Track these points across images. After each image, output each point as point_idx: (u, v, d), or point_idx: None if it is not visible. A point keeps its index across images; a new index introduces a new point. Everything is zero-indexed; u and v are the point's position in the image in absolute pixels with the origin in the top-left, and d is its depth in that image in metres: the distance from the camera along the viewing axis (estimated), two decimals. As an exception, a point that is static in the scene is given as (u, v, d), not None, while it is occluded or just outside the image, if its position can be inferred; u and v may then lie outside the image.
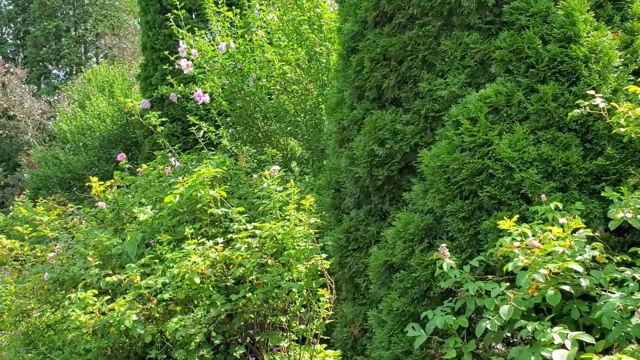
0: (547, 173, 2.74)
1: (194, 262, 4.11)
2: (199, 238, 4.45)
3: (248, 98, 5.83)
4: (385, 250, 3.20)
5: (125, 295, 4.18)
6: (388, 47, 3.36)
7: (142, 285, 4.13)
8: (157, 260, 4.35)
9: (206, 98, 5.17)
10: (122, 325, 3.99)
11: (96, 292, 4.12)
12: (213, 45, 5.70)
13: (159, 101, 9.33)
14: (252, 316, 4.59)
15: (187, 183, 4.72)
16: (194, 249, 4.27)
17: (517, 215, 2.56)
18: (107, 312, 4.02)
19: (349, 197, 3.83)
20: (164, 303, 4.28)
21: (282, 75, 5.50)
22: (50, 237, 5.67)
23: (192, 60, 5.70)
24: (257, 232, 4.44)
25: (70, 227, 5.43)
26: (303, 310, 4.67)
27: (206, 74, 5.80)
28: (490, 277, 2.62)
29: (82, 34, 22.37)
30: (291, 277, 4.43)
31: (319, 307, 4.66)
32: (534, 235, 2.39)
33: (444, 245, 2.49)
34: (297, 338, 4.75)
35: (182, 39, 5.67)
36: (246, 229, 4.51)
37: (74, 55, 21.99)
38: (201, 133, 6.98)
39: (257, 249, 4.40)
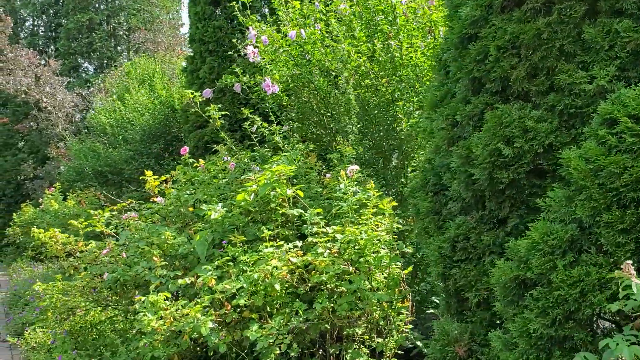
0: None
1: (275, 266, 3.76)
2: (277, 241, 4.10)
3: (315, 92, 5.47)
4: (515, 263, 2.81)
5: (198, 300, 3.84)
6: (519, 35, 2.98)
7: (217, 289, 3.79)
8: (230, 263, 4.00)
9: (275, 88, 4.83)
10: (195, 333, 3.65)
11: (168, 295, 3.78)
12: (282, 34, 5.34)
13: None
14: (328, 327, 4.24)
15: (260, 180, 4.38)
16: (272, 252, 3.92)
17: None
18: (179, 317, 3.68)
19: (454, 202, 3.45)
20: (238, 309, 3.94)
21: (357, 68, 5.14)
22: (106, 233, 5.37)
23: (259, 49, 5.36)
24: (338, 236, 4.08)
25: (125, 224, 5.11)
26: (382, 322, 4.31)
27: (274, 63, 5.44)
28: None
29: (114, 28, 22.21)
30: (370, 287, 4.07)
31: (400, 320, 4.30)
32: None
33: (629, 262, 2.10)
34: (368, 352, 4.39)
35: (251, 25, 5.33)
36: (326, 233, 4.16)
37: (106, 48, 21.82)
38: (254, 128, 6.64)
39: (336, 255, 4.04)
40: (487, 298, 3.21)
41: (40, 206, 14.74)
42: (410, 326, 4.50)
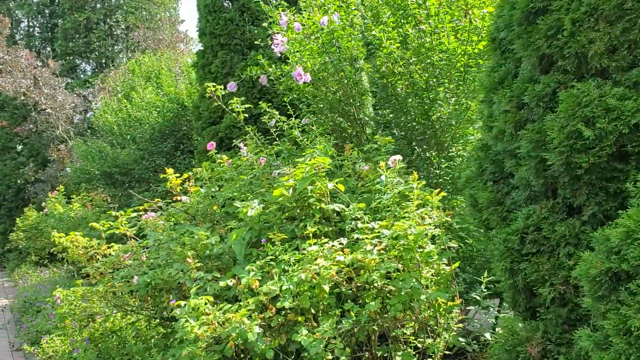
0: None
1: (323, 266, 3.50)
2: (319, 238, 3.85)
3: (346, 80, 5.21)
4: (604, 255, 2.56)
5: (240, 303, 3.58)
6: (598, 6, 2.73)
7: (261, 291, 3.54)
8: (272, 263, 3.75)
9: (307, 77, 4.57)
10: (241, 339, 3.40)
11: (211, 299, 3.52)
12: (311, 21, 5.07)
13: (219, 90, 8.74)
14: (375, 328, 4.00)
15: (297, 174, 4.12)
16: (317, 251, 3.67)
17: None
18: (223, 322, 3.42)
19: (519, 190, 3.20)
20: (282, 312, 3.69)
21: (388, 55, 4.89)
22: (129, 235, 5.11)
23: (287, 38, 5.08)
24: (385, 232, 3.83)
25: (151, 225, 4.85)
26: (432, 322, 4.07)
27: (301, 52, 5.17)
28: None
29: (112, 27, 21.82)
30: (420, 285, 3.83)
31: (451, 319, 4.06)
32: None
33: None
34: (414, 353, 4.15)
35: (283, 11, 5.05)
36: (371, 229, 3.91)
37: (105, 48, 21.46)
38: (273, 122, 6.39)
39: (382, 251, 3.79)
40: (564, 293, 2.97)
41: (44, 210, 14.45)
42: (461, 325, 4.26)
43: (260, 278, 3.63)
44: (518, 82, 3.15)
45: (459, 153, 5.13)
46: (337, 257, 3.62)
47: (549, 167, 2.91)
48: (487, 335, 4.42)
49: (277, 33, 5.04)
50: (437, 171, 5.28)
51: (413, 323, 4.09)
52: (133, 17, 21.23)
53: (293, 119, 6.49)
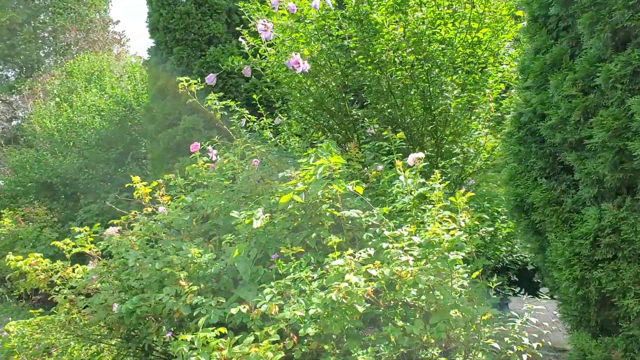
0: None
1: (356, 283, 2.98)
2: (334, 249, 3.31)
3: (339, 72, 4.69)
4: None
5: (255, 333, 3.00)
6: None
7: (281, 317, 2.97)
8: (289, 283, 3.18)
9: (306, 66, 4.02)
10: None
11: (224, 331, 2.91)
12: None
13: (175, 88, 8.01)
14: (404, 350, 3.50)
15: (306, 177, 3.58)
16: (343, 265, 3.14)
17: None
18: (241, 358, 2.83)
19: (585, 187, 2.79)
20: (305, 340, 3.13)
21: (389, 41, 4.41)
22: (93, 255, 4.40)
23: (273, 24, 4.50)
24: (415, 238, 3.35)
25: (121, 243, 4.17)
26: (463, 339, 3.61)
27: (294, 39, 4.59)
28: None
29: (38, 28, 20.33)
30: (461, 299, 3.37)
31: (486, 336, 3.62)
32: None
33: None
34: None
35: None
36: (398, 236, 3.41)
37: (31, 51, 19.95)
38: (243, 122, 5.81)
39: (409, 262, 3.30)
40: (651, 304, 2.58)
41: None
42: (495, 342, 3.82)
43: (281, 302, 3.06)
44: (581, 63, 2.74)
45: (464, 149, 4.73)
46: (368, 270, 3.11)
47: (631, 159, 2.51)
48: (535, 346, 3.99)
49: (260, 19, 4.46)
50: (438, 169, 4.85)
51: (443, 342, 3.62)
52: (62, 18, 19.86)
53: (265, 118, 5.94)
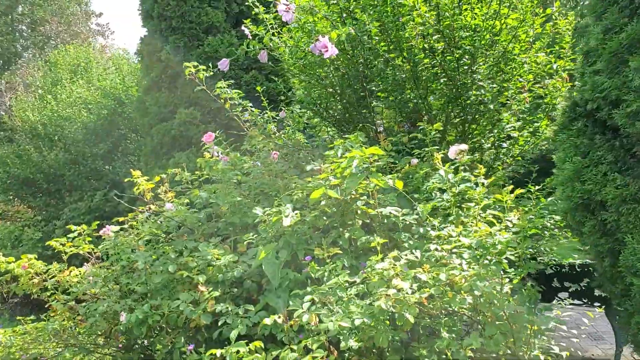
0: None
1: (405, 290, 2.63)
2: (391, 253, 2.95)
3: (362, 60, 4.33)
4: None
5: (292, 346, 2.63)
6: None
7: (322, 329, 2.60)
8: (327, 289, 2.81)
9: (334, 50, 3.65)
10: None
11: (259, 344, 2.53)
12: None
13: (171, 79, 7.60)
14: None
15: (337, 171, 3.22)
16: (388, 268, 2.78)
17: None
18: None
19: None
20: (346, 354, 2.77)
21: (417, 25, 4.07)
22: (89, 256, 3.99)
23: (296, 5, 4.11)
24: (465, 240, 3.00)
25: (124, 244, 3.76)
26: (510, 351, 3.28)
27: (314, 21, 4.21)
28: None
29: (17, 20, 19.60)
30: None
31: (537, 348, 3.29)
32: None
33: None
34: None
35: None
36: (444, 237, 3.07)
37: (9, 43, 19.20)
38: (246, 115, 5.42)
39: (462, 266, 2.96)
40: None
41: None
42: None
43: (319, 311, 2.69)
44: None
45: (495, 143, 4.40)
46: (418, 275, 2.75)
47: None
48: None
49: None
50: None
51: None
52: (41, 10, 19.17)
53: (269, 112, 5.56)
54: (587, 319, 4.96)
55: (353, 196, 3.33)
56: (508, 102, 4.43)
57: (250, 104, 5.43)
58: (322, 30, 4.21)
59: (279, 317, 2.69)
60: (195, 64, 4.48)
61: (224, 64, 4.22)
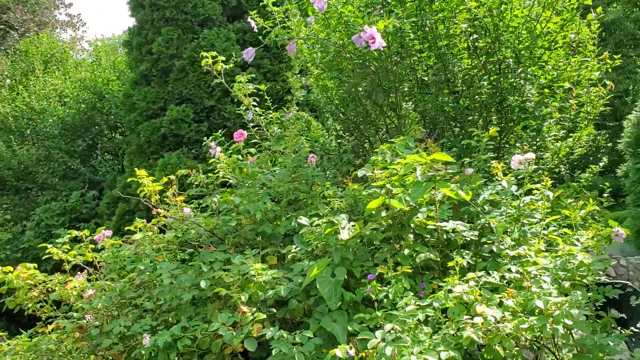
0: None
1: (496, 319, 2.29)
2: (472, 274, 2.61)
3: (397, 58, 3.98)
4: None
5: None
6: None
7: (400, 362, 2.23)
8: (409, 315, 2.43)
9: (381, 42, 3.27)
10: None
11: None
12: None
13: (162, 73, 7.09)
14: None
15: (393, 178, 2.86)
16: (469, 292, 2.44)
17: None
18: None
19: None
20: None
21: (464, 21, 3.75)
22: (97, 265, 3.50)
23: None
24: (543, 260, 2.69)
25: (141, 251, 3.30)
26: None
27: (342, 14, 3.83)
28: None
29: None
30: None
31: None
32: None
33: None
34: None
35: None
36: (517, 256, 2.75)
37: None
38: (250, 115, 5.02)
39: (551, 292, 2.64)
40: None
41: None
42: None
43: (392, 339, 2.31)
44: None
45: (537, 153, 4.12)
46: (503, 300, 2.42)
47: None
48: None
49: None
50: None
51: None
52: (3, -4, 18.12)
53: (273, 113, 5.17)
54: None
55: (415, 207, 2.98)
56: (548, 108, 4.16)
57: (254, 104, 5.04)
58: (357, 21, 3.84)
59: (350, 347, 2.30)
60: (214, 54, 4.05)
61: (249, 53, 3.82)
